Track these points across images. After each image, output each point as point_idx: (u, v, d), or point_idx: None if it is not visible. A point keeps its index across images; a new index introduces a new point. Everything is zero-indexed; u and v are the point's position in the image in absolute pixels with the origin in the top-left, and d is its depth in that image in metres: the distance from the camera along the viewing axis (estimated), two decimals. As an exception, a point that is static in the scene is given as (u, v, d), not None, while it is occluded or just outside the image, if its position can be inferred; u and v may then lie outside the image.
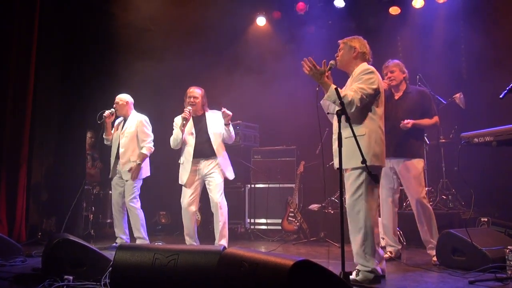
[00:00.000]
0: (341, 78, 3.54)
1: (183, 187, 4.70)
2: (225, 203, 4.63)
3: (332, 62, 3.38)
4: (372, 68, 3.36)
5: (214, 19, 6.84)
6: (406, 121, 4.09)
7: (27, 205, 5.46)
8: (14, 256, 3.93)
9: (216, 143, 4.67)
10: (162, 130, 5.49)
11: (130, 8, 6.45)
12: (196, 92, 4.74)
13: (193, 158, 4.63)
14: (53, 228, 5.73)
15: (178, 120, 4.76)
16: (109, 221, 6.44)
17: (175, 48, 7.14)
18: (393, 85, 4.29)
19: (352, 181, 3.25)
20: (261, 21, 7.53)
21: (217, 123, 4.69)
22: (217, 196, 4.58)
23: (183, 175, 4.66)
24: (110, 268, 2.65)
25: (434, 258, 3.97)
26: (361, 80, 3.27)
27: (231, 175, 4.77)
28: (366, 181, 3.17)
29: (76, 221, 5.90)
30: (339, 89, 3.13)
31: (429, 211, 4.13)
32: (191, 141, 4.68)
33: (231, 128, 4.63)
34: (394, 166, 4.22)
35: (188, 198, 4.63)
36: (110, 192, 5.55)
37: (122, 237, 5.09)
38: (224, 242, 4.55)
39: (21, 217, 5.32)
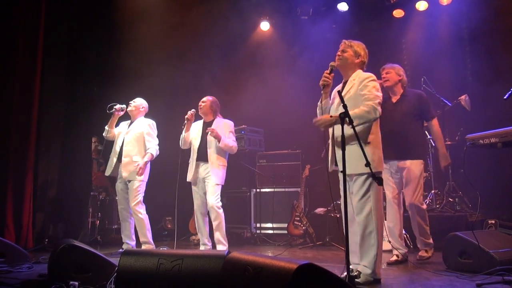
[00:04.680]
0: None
1: (192, 187, 4.97)
2: (220, 204, 4.76)
3: (332, 63, 3.41)
4: (373, 76, 3.39)
5: (218, 25, 6.87)
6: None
7: (33, 212, 5.47)
8: (21, 262, 3.94)
9: (211, 148, 4.85)
10: (168, 136, 5.51)
11: (135, 15, 6.50)
12: (205, 98, 5.04)
13: (195, 160, 4.91)
14: (60, 234, 5.75)
15: (194, 124, 5.06)
16: (115, 226, 6.46)
17: (180, 55, 7.18)
18: (387, 85, 4.30)
19: (359, 185, 3.27)
20: (265, 26, 7.55)
21: (220, 130, 4.84)
22: (212, 198, 4.75)
23: (189, 173, 4.94)
24: (115, 274, 2.66)
25: (421, 253, 4.24)
26: (367, 87, 3.29)
27: (216, 180, 4.79)
28: (373, 184, 3.20)
29: (83, 227, 5.93)
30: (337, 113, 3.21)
31: (422, 212, 4.20)
32: (196, 143, 4.95)
33: (226, 141, 4.81)
34: (396, 168, 4.24)
35: (196, 196, 4.94)
36: (116, 198, 5.57)
37: (129, 243, 5.09)
38: (221, 239, 4.75)
39: (27, 224, 5.33)
